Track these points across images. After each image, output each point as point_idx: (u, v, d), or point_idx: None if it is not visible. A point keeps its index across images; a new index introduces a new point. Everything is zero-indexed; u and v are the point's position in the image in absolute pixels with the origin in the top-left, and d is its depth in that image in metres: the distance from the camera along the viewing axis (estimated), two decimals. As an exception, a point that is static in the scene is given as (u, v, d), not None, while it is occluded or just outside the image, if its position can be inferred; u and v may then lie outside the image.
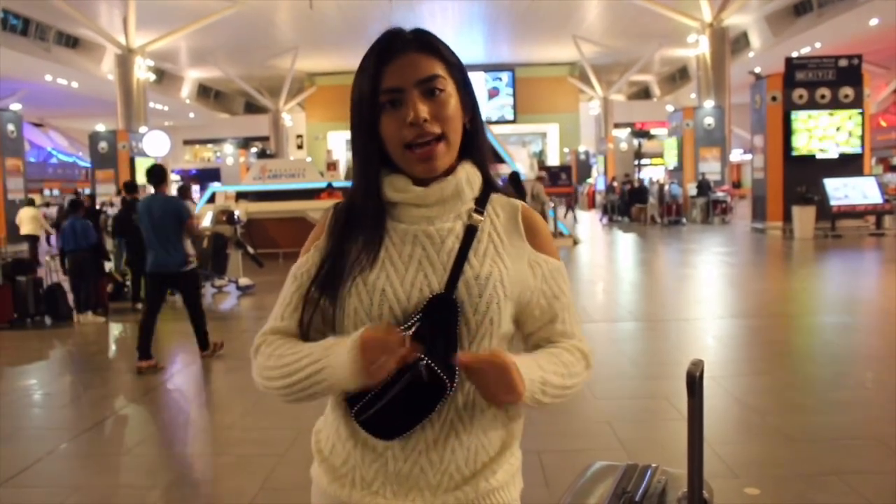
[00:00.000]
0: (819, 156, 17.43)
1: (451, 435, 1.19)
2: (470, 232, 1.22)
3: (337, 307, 1.22)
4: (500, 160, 18.68)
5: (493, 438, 1.24)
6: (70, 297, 9.19)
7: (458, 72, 1.25)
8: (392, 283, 1.18)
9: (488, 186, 1.29)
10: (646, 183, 26.69)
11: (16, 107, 24.01)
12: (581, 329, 1.32)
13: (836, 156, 17.40)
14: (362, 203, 1.24)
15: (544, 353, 1.25)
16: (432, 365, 1.11)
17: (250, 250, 11.98)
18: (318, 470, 1.29)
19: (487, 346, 1.19)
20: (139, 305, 9.92)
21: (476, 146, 1.28)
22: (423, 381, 1.11)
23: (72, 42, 31.68)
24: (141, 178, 23.26)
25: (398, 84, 1.18)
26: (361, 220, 1.23)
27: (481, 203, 1.26)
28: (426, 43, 1.22)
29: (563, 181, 26.71)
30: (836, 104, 17.43)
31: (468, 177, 1.25)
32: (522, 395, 1.13)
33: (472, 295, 1.17)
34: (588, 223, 23.46)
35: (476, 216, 1.24)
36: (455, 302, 1.16)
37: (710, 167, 23.77)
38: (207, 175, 40.42)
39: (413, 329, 1.13)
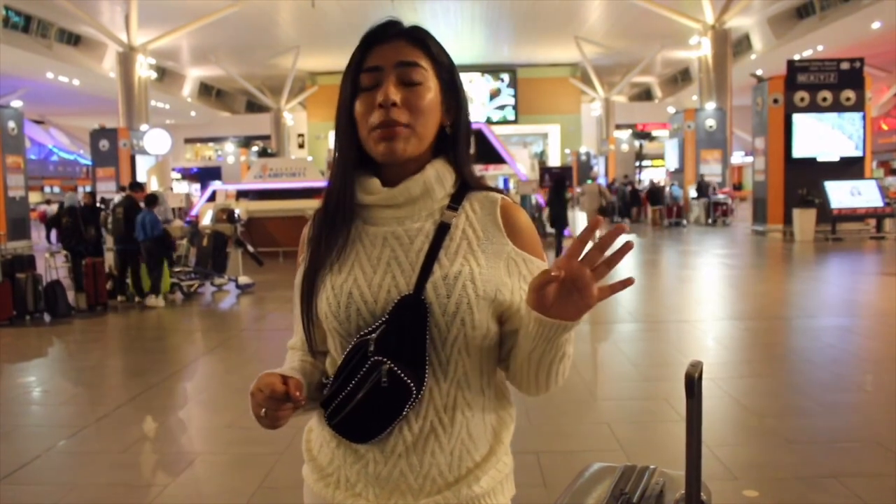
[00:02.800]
0: (820, 158, 17.44)
1: (431, 437, 1.17)
2: (441, 230, 1.18)
3: (311, 310, 1.23)
4: (503, 161, 18.70)
5: (479, 442, 1.21)
6: (67, 294, 9.21)
7: (446, 72, 1.22)
8: (359, 286, 1.17)
9: (465, 185, 1.24)
10: (659, 185, 26.22)
11: (17, 104, 24.03)
12: None
13: (836, 159, 17.41)
14: (335, 206, 1.23)
15: None
16: (395, 369, 1.10)
17: (250, 249, 11.98)
18: (307, 469, 1.29)
19: (462, 348, 1.16)
20: (137, 300, 9.98)
21: (453, 147, 1.24)
22: (385, 385, 1.10)
23: (73, 40, 31.70)
24: (142, 176, 23.31)
25: (377, 63, 1.17)
26: (334, 223, 1.22)
27: (457, 199, 1.22)
28: (416, 36, 1.20)
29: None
30: (837, 107, 17.44)
31: (438, 174, 1.21)
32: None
33: (440, 295, 1.13)
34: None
35: (448, 213, 1.20)
36: (422, 303, 1.13)
37: (711, 169, 23.77)
38: (208, 174, 40.41)
39: (378, 332, 1.13)
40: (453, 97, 1.23)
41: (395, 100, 1.14)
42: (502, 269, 1.19)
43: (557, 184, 14.55)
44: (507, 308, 1.19)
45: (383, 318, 1.14)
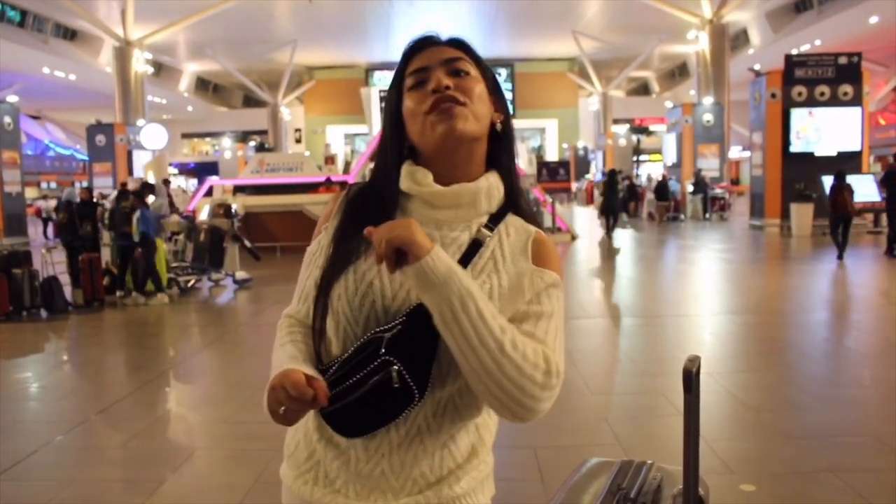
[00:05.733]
0: (818, 153, 17.44)
1: (416, 441, 1.17)
2: (474, 246, 1.19)
3: (326, 292, 1.20)
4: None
5: (461, 444, 1.22)
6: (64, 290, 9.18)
7: (488, 73, 1.27)
8: (382, 278, 1.16)
9: (509, 204, 1.25)
10: (661, 179, 25.43)
11: (13, 99, 23.94)
12: (561, 351, 1.16)
13: (834, 153, 17.41)
14: (378, 190, 1.24)
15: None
16: (403, 372, 1.09)
17: (247, 244, 11.96)
18: (284, 467, 1.28)
19: None
20: (134, 295, 9.96)
21: (506, 152, 1.26)
22: (391, 386, 1.09)
23: (70, 34, 31.59)
24: (138, 171, 23.26)
25: (423, 64, 1.21)
26: (373, 207, 1.22)
27: (495, 220, 1.22)
28: (458, 41, 1.25)
29: (561, 176, 26.73)
30: (835, 102, 17.43)
31: (489, 189, 1.22)
32: (421, 255, 1.03)
33: None
34: (587, 219, 23.44)
35: (485, 231, 1.20)
36: None
37: (709, 164, 23.73)
38: (205, 168, 40.40)
39: (395, 331, 1.11)
40: (499, 98, 1.27)
41: (449, 84, 1.18)
42: (526, 287, 1.19)
43: (611, 177, 17.15)
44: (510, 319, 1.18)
45: (401, 319, 1.12)
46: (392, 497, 1.17)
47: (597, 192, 19.63)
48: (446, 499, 1.19)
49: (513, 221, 1.24)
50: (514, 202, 1.26)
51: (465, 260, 1.17)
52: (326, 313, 1.20)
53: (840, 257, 11.80)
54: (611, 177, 17.18)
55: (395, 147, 1.24)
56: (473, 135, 1.19)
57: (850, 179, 13.53)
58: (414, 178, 1.21)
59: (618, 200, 16.87)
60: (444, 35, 1.27)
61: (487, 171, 1.24)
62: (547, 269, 1.21)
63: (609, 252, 14.70)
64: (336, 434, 1.17)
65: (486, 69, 1.26)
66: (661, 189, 22.40)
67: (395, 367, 1.09)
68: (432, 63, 1.20)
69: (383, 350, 1.10)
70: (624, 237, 17.53)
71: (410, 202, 1.22)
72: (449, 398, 1.17)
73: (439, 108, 1.16)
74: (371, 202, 1.23)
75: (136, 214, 9.61)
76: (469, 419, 1.21)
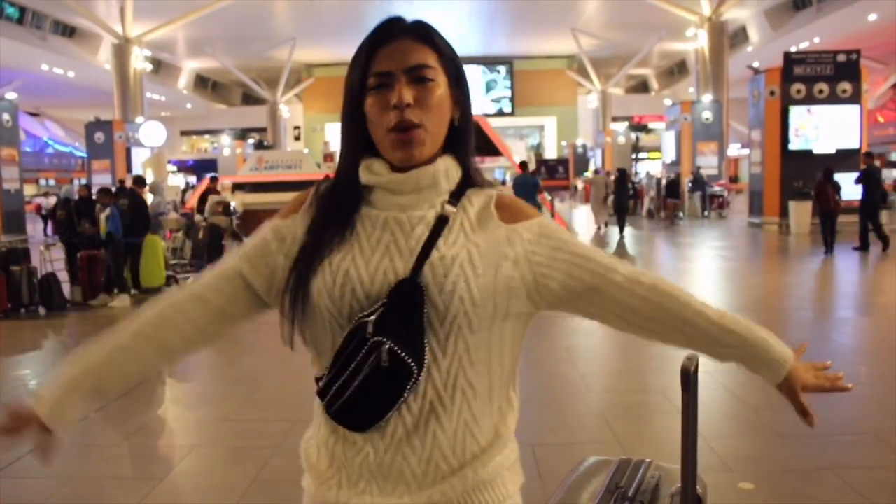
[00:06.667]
0: (816, 151, 17.44)
1: (432, 417, 1.15)
2: (441, 221, 1.19)
3: (304, 288, 1.20)
4: (497, 153, 18.72)
5: (483, 425, 1.19)
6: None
7: (452, 65, 1.24)
8: (357, 266, 1.17)
9: (467, 182, 1.26)
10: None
11: (11, 96, 23.91)
12: (612, 259, 1.31)
13: (833, 151, 17.40)
14: (341, 186, 1.24)
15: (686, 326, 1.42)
16: (395, 349, 1.10)
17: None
18: (307, 478, 1.26)
19: (464, 324, 1.14)
20: (133, 292, 9.96)
21: (461, 142, 1.26)
22: (385, 366, 1.10)
23: (68, 31, 31.54)
24: (137, 169, 23.24)
25: (387, 68, 1.18)
26: (339, 205, 1.23)
27: (457, 196, 1.23)
28: (422, 32, 1.23)
29: (560, 174, 26.72)
30: (834, 99, 17.43)
31: (447, 169, 1.23)
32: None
33: (437, 275, 1.14)
34: (585, 217, 23.42)
35: (449, 207, 1.21)
36: (419, 286, 1.13)
37: (708, 161, 23.72)
38: (204, 166, 40.33)
39: (377, 314, 1.12)
40: (460, 90, 1.25)
41: (409, 100, 1.16)
42: (503, 244, 1.20)
43: (621, 176, 18.17)
44: (515, 285, 1.19)
45: (382, 301, 1.13)
46: (416, 487, 1.16)
47: (595, 190, 19.87)
48: (472, 485, 1.17)
49: (474, 192, 1.25)
50: (472, 180, 1.27)
51: (435, 233, 1.18)
52: (306, 308, 1.20)
53: (827, 252, 12.33)
54: (621, 176, 18.05)
55: (356, 143, 1.24)
56: (430, 157, 1.21)
57: (843, 177, 13.61)
58: (371, 170, 1.22)
59: (627, 198, 17.84)
60: (406, 17, 1.25)
61: (444, 154, 1.24)
62: (517, 216, 1.23)
63: (607, 248, 14.71)
64: (351, 432, 1.17)
65: (450, 60, 1.24)
66: (673, 187, 22.33)
67: (387, 345, 1.10)
68: (396, 69, 1.18)
69: (370, 331, 1.11)
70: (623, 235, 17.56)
71: (373, 193, 1.23)
72: (459, 366, 1.16)
73: (399, 134, 1.17)
74: (338, 197, 1.24)
75: (106, 213, 9.50)
76: (485, 392, 1.19)
